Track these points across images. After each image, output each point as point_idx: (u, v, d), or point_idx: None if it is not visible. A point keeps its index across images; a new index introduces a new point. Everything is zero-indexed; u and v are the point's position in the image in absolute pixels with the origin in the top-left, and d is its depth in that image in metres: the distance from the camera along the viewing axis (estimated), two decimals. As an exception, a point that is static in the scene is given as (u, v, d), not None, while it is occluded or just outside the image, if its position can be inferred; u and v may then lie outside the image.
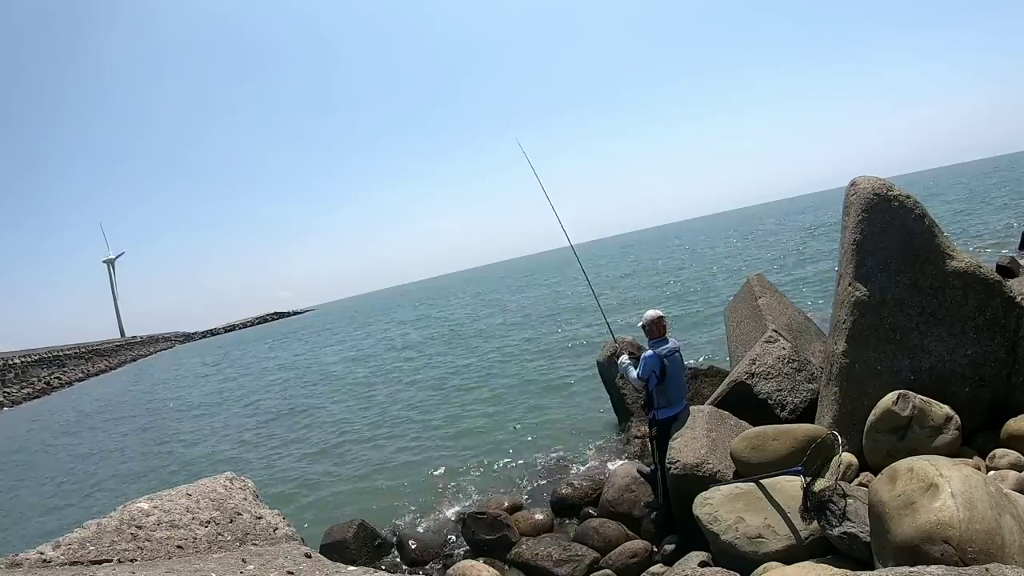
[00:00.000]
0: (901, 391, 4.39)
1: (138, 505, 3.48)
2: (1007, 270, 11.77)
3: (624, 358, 5.66)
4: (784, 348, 6.15)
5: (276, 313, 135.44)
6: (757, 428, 4.88)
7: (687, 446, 4.97)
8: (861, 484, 4.16)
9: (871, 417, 4.47)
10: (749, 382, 5.91)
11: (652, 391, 5.29)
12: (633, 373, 5.44)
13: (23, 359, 52.19)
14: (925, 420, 4.27)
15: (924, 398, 4.37)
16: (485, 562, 5.44)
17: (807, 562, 3.56)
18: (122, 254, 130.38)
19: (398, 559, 6.39)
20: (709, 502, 4.26)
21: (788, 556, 3.70)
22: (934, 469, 2.98)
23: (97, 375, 55.80)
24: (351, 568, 3.27)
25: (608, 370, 8.45)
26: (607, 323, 6.97)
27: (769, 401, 5.77)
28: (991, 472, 4.04)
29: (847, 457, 4.44)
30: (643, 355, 5.35)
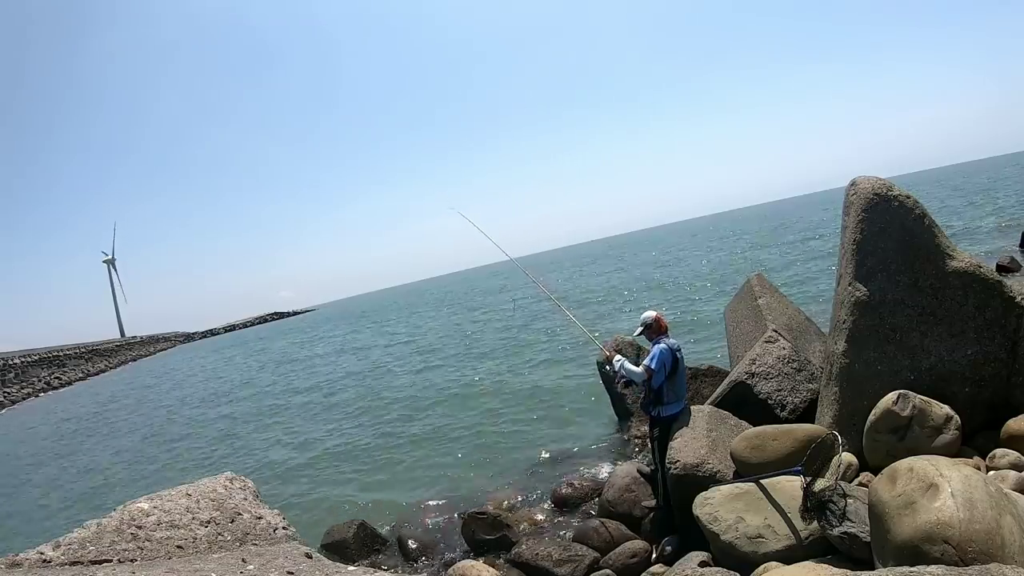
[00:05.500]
0: (901, 391, 4.39)
1: (138, 505, 3.48)
2: (1007, 270, 11.79)
3: (617, 356, 5.60)
4: (784, 348, 6.15)
5: (276, 313, 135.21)
6: (757, 428, 4.88)
7: (687, 446, 4.97)
8: (861, 484, 4.16)
9: (871, 417, 4.46)
10: (749, 382, 5.91)
11: (661, 385, 5.24)
12: (631, 366, 5.37)
13: (23, 359, 52.18)
14: (925, 420, 4.27)
15: (924, 398, 4.37)
16: (485, 562, 5.44)
17: (807, 562, 3.56)
18: (114, 261, 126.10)
19: (398, 559, 6.39)
20: (709, 502, 4.26)
21: (788, 556, 3.70)
22: (934, 469, 2.98)
23: (97, 375, 55.78)
24: (351, 568, 3.27)
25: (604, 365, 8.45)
26: (576, 322, 6.94)
27: (769, 401, 5.77)
28: (991, 472, 4.04)
29: (847, 457, 4.44)
30: (655, 348, 5.31)
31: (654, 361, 5.19)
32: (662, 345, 5.26)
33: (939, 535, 2.71)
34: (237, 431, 15.79)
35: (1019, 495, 3.33)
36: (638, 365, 5.38)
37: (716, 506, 4.19)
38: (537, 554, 5.35)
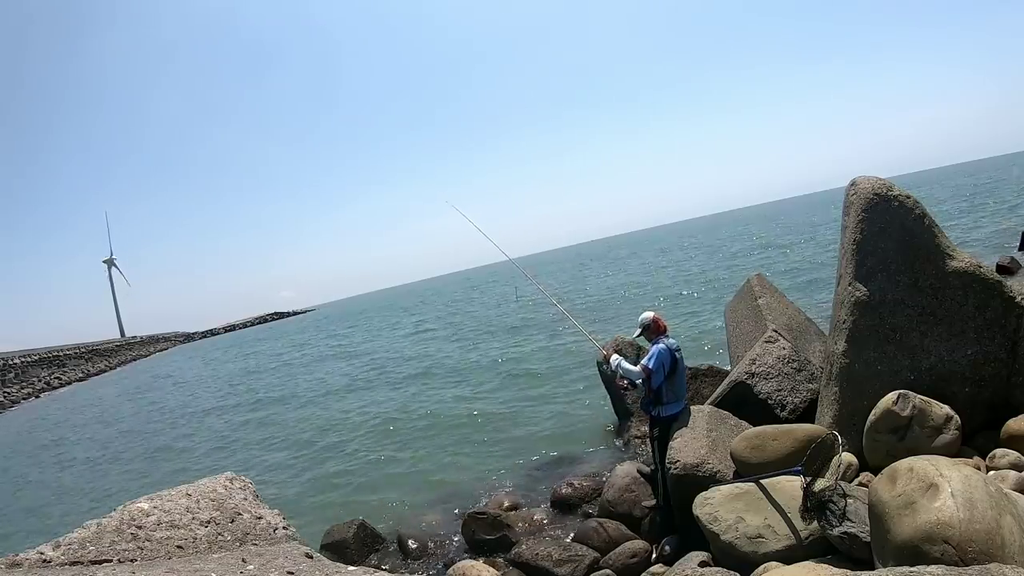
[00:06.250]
0: (901, 391, 4.39)
1: (138, 505, 3.48)
2: (1007, 270, 11.78)
3: (615, 356, 5.64)
4: (784, 348, 6.15)
5: (276, 313, 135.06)
6: (757, 428, 4.88)
7: (687, 446, 4.97)
8: (861, 484, 4.16)
9: (871, 417, 4.47)
10: (749, 382, 5.91)
11: (661, 386, 5.25)
12: (629, 366, 5.40)
13: (23, 359, 52.18)
14: (925, 420, 4.27)
15: (924, 398, 4.37)
16: (485, 562, 5.44)
17: (807, 562, 3.56)
18: (114, 260, 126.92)
19: (398, 559, 6.39)
20: (709, 502, 4.26)
21: (788, 556, 3.70)
22: (934, 469, 2.98)
23: (97, 375, 55.77)
24: (351, 568, 3.27)
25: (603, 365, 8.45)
26: (575, 322, 7.30)
27: (769, 401, 5.77)
28: (991, 472, 4.04)
29: (847, 457, 4.44)
30: (654, 348, 5.32)
31: (652, 361, 5.19)
32: (661, 345, 5.26)
33: (939, 535, 2.71)
34: (236, 432, 15.79)
35: (1019, 495, 3.33)
36: (637, 365, 5.39)
37: (716, 506, 4.19)
38: (537, 554, 5.35)
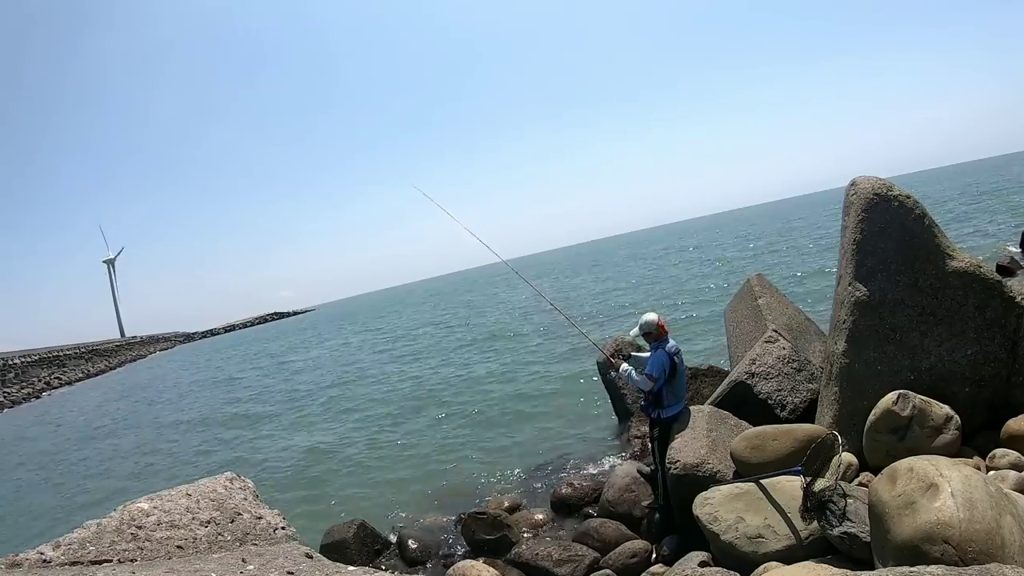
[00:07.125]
0: (901, 391, 4.39)
1: (138, 505, 3.48)
2: (1007, 270, 11.77)
3: (624, 365, 5.65)
4: (784, 348, 6.15)
5: (276, 313, 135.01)
6: (757, 428, 4.88)
7: (687, 446, 4.97)
8: (861, 484, 4.16)
9: (871, 417, 4.47)
10: (749, 382, 5.91)
11: (661, 388, 5.27)
12: (638, 376, 5.41)
13: (23, 359, 52.18)
14: (925, 420, 4.27)
15: (924, 398, 4.37)
16: (485, 562, 5.44)
17: (807, 562, 3.56)
18: (121, 250, 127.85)
19: (398, 559, 6.38)
20: (709, 502, 4.26)
21: (788, 556, 3.70)
22: (934, 469, 2.98)
23: (97, 375, 55.76)
24: (351, 568, 3.27)
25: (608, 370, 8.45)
26: (575, 325, 7.62)
27: (769, 401, 5.77)
28: (991, 472, 4.04)
29: (847, 457, 4.44)
30: (653, 354, 5.33)
31: (655, 369, 5.23)
32: (660, 351, 5.28)
33: (939, 535, 2.71)
34: (235, 432, 15.79)
35: (1019, 495, 3.33)
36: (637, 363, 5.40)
37: (716, 506, 4.19)
38: (537, 554, 5.35)
